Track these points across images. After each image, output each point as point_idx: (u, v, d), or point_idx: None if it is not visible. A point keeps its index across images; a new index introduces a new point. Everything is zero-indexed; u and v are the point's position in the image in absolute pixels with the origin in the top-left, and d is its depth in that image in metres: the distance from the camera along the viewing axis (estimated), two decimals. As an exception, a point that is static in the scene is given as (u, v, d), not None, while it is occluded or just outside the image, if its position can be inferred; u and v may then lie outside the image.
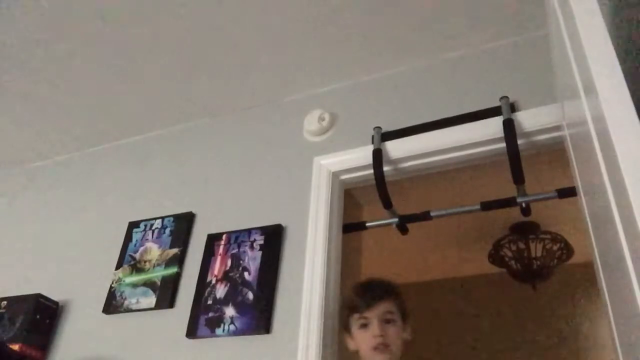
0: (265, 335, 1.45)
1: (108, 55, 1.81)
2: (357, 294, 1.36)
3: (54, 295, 1.82)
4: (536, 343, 2.98)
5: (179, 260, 1.72)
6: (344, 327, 1.38)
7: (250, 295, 1.52)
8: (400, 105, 1.73)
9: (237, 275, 1.58)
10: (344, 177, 1.70)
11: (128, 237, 1.87)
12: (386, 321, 1.30)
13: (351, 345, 1.35)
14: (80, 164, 2.31)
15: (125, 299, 1.71)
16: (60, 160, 2.38)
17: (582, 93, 0.81)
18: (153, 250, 1.79)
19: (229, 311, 1.51)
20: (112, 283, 1.77)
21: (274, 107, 1.99)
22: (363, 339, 1.29)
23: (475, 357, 3.08)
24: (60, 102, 2.04)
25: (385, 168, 1.60)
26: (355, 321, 1.33)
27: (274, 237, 1.60)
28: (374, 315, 1.29)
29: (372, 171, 1.59)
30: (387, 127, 1.68)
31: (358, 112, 1.79)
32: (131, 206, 1.98)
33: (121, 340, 1.65)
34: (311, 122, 1.78)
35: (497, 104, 1.53)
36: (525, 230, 2.72)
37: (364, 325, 1.30)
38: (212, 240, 1.69)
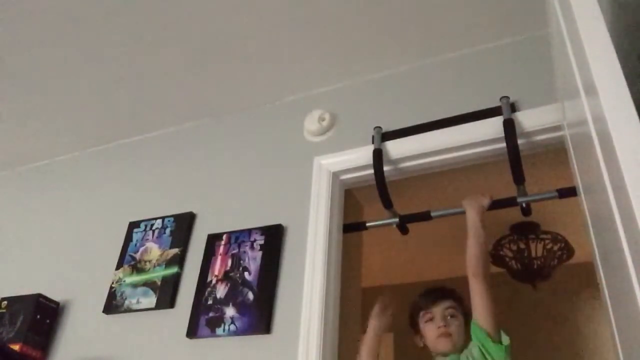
0: (266, 335, 1.45)
1: (108, 55, 1.81)
2: (423, 295, 1.57)
3: (54, 295, 1.82)
4: (536, 343, 2.98)
5: (180, 260, 1.72)
6: (412, 327, 1.57)
7: (251, 295, 1.52)
8: (401, 105, 1.73)
9: (238, 275, 1.58)
10: (344, 177, 1.70)
11: (128, 237, 1.87)
12: (449, 316, 1.49)
13: (419, 342, 1.53)
14: (80, 164, 2.31)
15: (126, 299, 1.71)
16: (60, 160, 2.38)
17: (582, 93, 0.81)
18: (153, 250, 1.79)
19: (230, 311, 1.51)
20: (113, 283, 1.77)
21: (274, 107, 1.99)
22: (429, 330, 1.49)
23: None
24: (60, 102, 2.04)
25: (386, 168, 1.60)
26: (422, 318, 1.52)
27: (274, 237, 1.60)
28: (437, 310, 1.50)
29: (372, 171, 1.59)
30: (387, 127, 1.68)
31: (358, 112, 1.79)
32: (131, 206, 1.98)
33: (121, 340, 1.65)
34: (311, 122, 1.78)
35: (497, 104, 1.53)
36: (526, 230, 2.72)
37: (430, 320, 1.50)
38: (213, 240, 1.69)
